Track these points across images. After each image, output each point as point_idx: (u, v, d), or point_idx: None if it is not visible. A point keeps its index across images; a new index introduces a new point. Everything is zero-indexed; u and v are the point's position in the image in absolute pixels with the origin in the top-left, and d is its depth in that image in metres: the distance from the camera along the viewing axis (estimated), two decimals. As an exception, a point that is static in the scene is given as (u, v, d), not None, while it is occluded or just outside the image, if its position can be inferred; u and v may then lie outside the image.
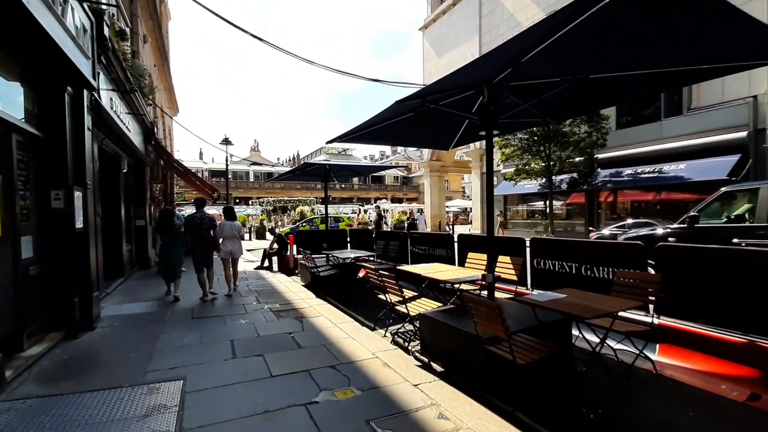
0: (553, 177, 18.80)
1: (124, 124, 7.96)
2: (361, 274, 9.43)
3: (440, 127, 5.32)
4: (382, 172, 68.75)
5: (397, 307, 4.76)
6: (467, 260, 6.11)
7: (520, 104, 4.17)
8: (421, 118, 4.47)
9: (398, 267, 5.69)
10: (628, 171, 17.66)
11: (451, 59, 29.02)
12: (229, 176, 54.90)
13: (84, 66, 4.72)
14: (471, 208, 52.12)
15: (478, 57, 3.08)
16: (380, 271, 4.66)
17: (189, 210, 32.13)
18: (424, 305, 4.79)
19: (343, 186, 61.50)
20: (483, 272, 5.54)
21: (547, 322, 3.62)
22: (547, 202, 22.80)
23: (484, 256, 5.80)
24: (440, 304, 4.79)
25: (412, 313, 4.44)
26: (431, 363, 4.09)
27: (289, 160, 76.54)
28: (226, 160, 15.98)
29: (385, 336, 5.06)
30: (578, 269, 4.83)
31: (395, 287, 4.43)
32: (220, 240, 7.39)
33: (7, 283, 3.80)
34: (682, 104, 17.09)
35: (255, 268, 11.25)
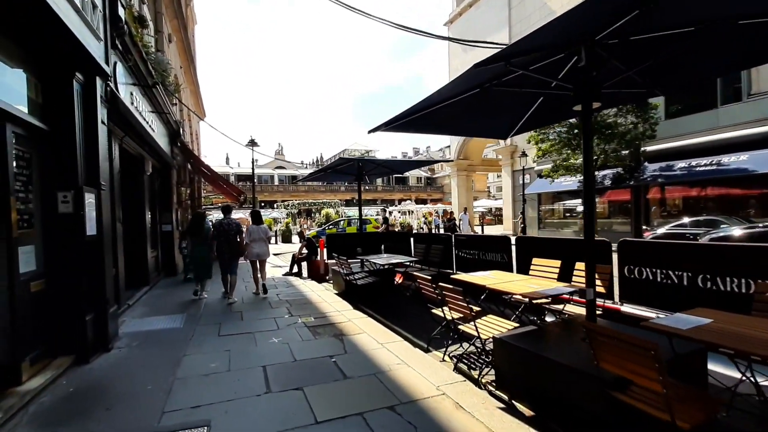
0: (596, 172, 17.49)
1: (147, 123, 7.45)
2: (398, 279, 8.62)
3: (500, 108, 4.40)
4: (407, 173, 67.90)
5: (461, 327, 3.91)
6: (532, 267, 5.19)
7: (624, 70, 3.22)
8: (486, 95, 3.66)
9: (453, 276, 4.84)
10: (681, 164, 16.15)
11: (478, 53, 27.82)
12: (255, 180, 55.55)
13: (94, 48, 4.11)
14: (493, 209, 50.53)
15: (574, 7, 2.19)
16: (441, 284, 3.82)
17: (216, 214, 32.22)
18: (493, 324, 3.92)
19: (366, 187, 60.98)
20: (553, 280, 4.63)
21: (681, 354, 2.70)
22: (583, 200, 21.41)
23: (555, 263, 4.88)
24: (514, 324, 3.90)
25: (483, 336, 3.58)
26: (513, 402, 3.23)
27: (313, 162, 76.75)
28: (252, 163, 15.53)
29: (444, 360, 4.22)
30: (692, 280, 3.84)
31: (461, 303, 3.58)
32: (248, 243, 7.57)
33: None
34: (741, 90, 15.52)
35: (284, 275, 10.62)
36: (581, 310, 4.26)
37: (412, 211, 46.94)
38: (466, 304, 3.52)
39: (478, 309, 4.42)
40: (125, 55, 5.49)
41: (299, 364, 4.05)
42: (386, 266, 7.21)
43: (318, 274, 10.09)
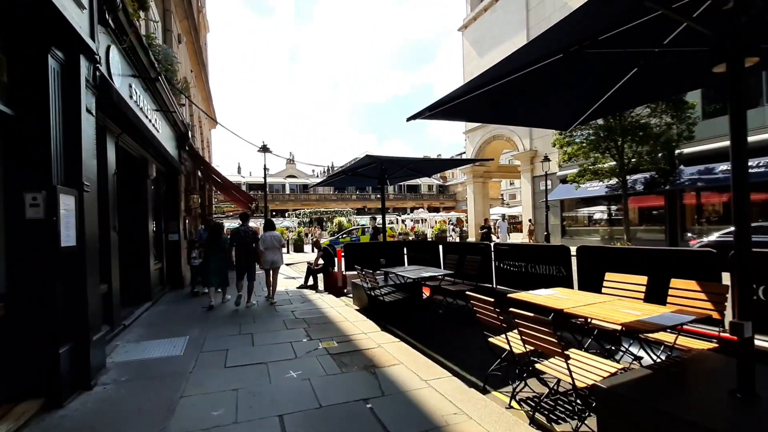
0: (627, 177, 16.39)
1: (151, 121, 6.73)
2: (425, 293, 7.70)
3: (571, 88, 3.54)
4: (419, 180, 67.07)
5: (541, 366, 2.97)
6: (606, 284, 4.23)
7: None
8: (571, 64, 2.79)
9: (511, 295, 3.91)
10: (723, 167, 14.99)
11: (494, 57, 27.05)
12: (267, 188, 55.31)
13: (74, 15, 3.35)
14: (506, 216, 49.19)
15: None
16: (513, 310, 2.90)
17: (228, 223, 31.57)
18: (584, 363, 2.97)
19: (377, 196, 60.27)
20: (639, 301, 3.67)
21: None
22: (612, 207, 20.30)
23: (640, 279, 3.93)
24: (615, 365, 2.95)
25: (579, 384, 2.63)
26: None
27: (324, 171, 76.47)
28: (264, 170, 14.83)
29: (510, 407, 3.27)
30: None
31: (545, 336, 2.66)
32: (263, 251, 7.74)
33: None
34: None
35: (298, 287, 9.76)
36: (692, 342, 3.29)
37: (425, 219, 46.07)
38: (555, 339, 2.59)
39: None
40: (119, 36, 4.75)
41: (326, 412, 3.14)
42: (417, 280, 6.30)
43: (335, 287, 9.21)
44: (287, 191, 57.65)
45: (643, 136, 15.05)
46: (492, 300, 3.29)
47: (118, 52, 5.05)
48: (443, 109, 3.43)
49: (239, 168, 61.59)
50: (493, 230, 15.28)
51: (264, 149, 14.87)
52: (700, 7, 2.44)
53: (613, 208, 20.04)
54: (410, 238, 29.78)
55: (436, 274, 6.21)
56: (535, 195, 25.04)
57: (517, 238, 31.65)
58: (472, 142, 30.82)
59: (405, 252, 9.17)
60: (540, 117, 4.49)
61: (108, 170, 5.24)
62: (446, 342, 5.25)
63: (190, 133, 10.10)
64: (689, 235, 13.91)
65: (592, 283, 4.64)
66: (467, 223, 43.42)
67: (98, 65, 4.19)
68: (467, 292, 3.67)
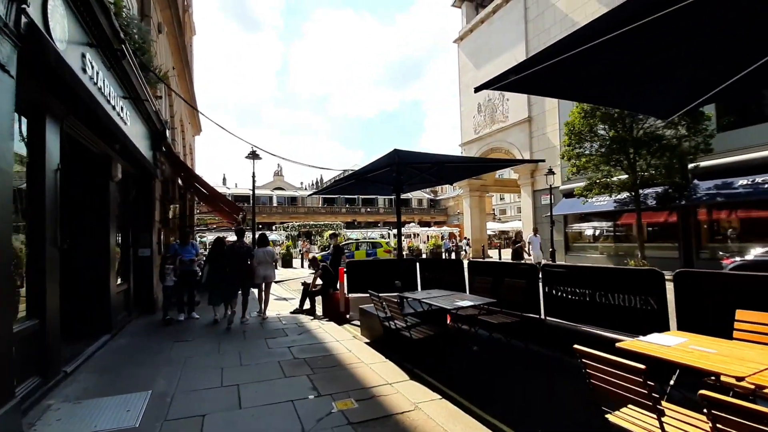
0: (631, 192, 15.55)
1: (115, 109, 5.38)
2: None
3: (682, 62, 2.58)
4: (410, 194, 66.21)
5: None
6: (740, 325, 3.03)
7: None
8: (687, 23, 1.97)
9: (621, 344, 2.67)
10: (743, 181, 14.24)
11: (492, 69, 26.47)
12: (254, 199, 53.44)
13: None
14: (498, 231, 48.36)
15: None
16: (713, 397, 1.64)
17: (210, 236, 29.55)
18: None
19: (368, 210, 59.05)
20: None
21: None
22: (620, 222, 19.42)
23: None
24: None
25: None
26: None
27: (313, 184, 75.02)
28: (253, 177, 13.46)
29: None
30: None
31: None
32: (255, 266, 7.64)
33: None
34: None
35: (293, 312, 8.34)
36: None
37: (417, 234, 44.90)
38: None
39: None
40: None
41: None
42: (453, 311, 4.99)
43: (337, 313, 7.84)
44: (274, 203, 55.96)
45: (658, 147, 14.26)
46: (639, 367, 2.02)
47: (65, 7, 3.75)
48: (525, 75, 2.42)
49: (224, 179, 59.79)
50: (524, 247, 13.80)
51: (253, 156, 13.52)
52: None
53: (622, 223, 19.17)
54: (404, 253, 28.52)
55: (479, 303, 4.92)
56: (536, 210, 24.14)
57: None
58: (468, 154, 29.98)
59: (418, 271, 7.88)
60: (640, 97, 3.28)
61: (47, 164, 3.87)
62: (504, 397, 3.95)
63: (168, 132, 8.72)
64: (721, 253, 12.95)
65: (704, 323, 3.42)
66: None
67: (25, 5, 2.89)
68: (576, 346, 2.39)
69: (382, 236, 42.86)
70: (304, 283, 8.45)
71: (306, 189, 68.89)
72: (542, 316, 5.29)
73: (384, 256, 20.63)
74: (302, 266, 25.00)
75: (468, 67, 30.14)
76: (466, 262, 6.97)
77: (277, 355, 5.25)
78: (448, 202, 66.55)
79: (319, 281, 8.53)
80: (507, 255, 28.66)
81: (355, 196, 60.53)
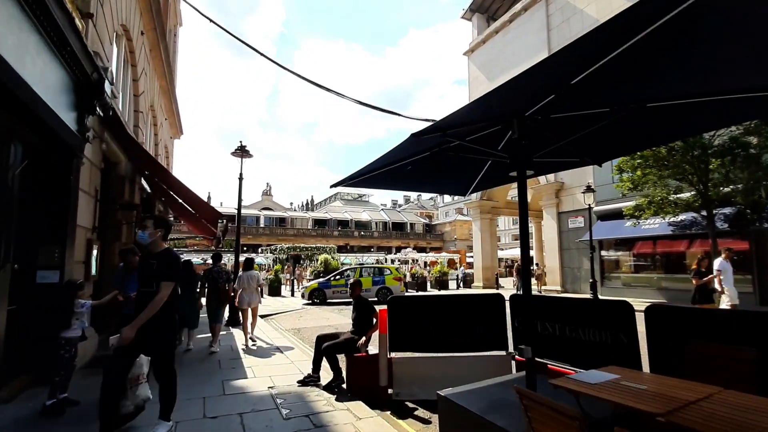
0: (700, 212, 12.87)
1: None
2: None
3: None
4: (405, 219, 63.34)
5: None
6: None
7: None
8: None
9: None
10: None
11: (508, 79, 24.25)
12: (240, 209, 49.78)
13: None
14: (507, 259, 45.33)
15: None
16: None
17: (188, 257, 25.53)
18: None
19: (362, 233, 55.79)
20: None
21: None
22: (672, 249, 16.63)
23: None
24: None
25: None
26: None
27: (303, 205, 71.63)
28: (240, 180, 10.29)
29: None
30: None
31: None
32: (239, 291, 7.66)
33: None
34: None
35: (300, 383, 4.98)
36: None
37: (416, 260, 41.66)
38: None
39: None
40: None
41: None
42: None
43: (372, 386, 4.56)
44: (261, 224, 52.29)
45: (744, 158, 11.65)
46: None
47: None
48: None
49: (209, 197, 56.09)
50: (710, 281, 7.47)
51: (241, 152, 10.39)
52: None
53: (674, 251, 16.39)
54: (409, 280, 25.15)
55: None
56: (562, 234, 21.32)
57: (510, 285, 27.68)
58: (480, 173, 27.25)
59: (509, 315, 4.66)
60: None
61: None
62: None
63: (110, 85, 5.55)
64: None
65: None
66: (458, 263, 39.31)
67: None
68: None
69: (378, 261, 39.48)
70: (321, 338, 5.10)
71: (295, 210, 65.44)
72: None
73: (394, 285, 17.32)
74: (292, 295, 21.42)
75: (480, 80, 28.00)
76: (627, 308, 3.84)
77: None
78: (444, 227, 63.88)
79: (351, 332, 5.25)
80: (506, 283, 25.44)
81: (348, 218, 57.38)
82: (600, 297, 16.49)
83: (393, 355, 4.77)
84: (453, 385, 3.62)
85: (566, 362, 3.53)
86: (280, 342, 7.78)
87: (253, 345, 7.34)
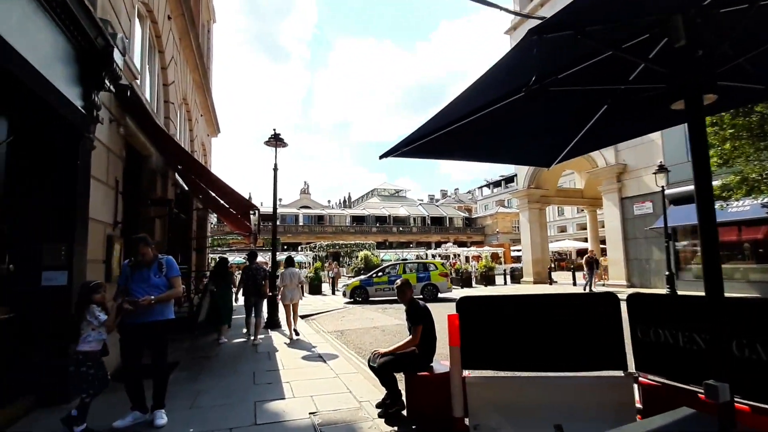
0: None
1: None
2: None
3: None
4: (444, 213, 61.73)
5: None
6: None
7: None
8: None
9: None
10: None
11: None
12: (277, 221, 50.41)
13: None
14: (555, 252, 42.29)
15: None
16: None
17: (232, 257, 26.10)
18: None
19: (401, 229, 54.75)
20: None
21: None
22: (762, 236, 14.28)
23: None
24: None
25: None
26: None
27: (340, 203, 71.68)
28: (275, 171, 9.52)
29: None
30: None
31: None
32: (281, 288, 7.96)
33: None
34: None
35: (381, 410, 3.97)
36: None
37: (458, 255, 40.04)
38: None
39: None
40: None
41: None
42: None
43: (442, 416, 3.47)
44: (300, 222, 52.55)
45: None
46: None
47: None
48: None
49: (250, 197, 57.17)
50: None
51: (275, 140, 9.62)
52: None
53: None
54: (452, 275, 23.76)
55: None
56: (626, 222, 19.16)
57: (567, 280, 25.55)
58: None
59: (634, 326, 3.37)
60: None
61: None
62: None
63: (121, 55, 4.79)
64: None
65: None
66: (502, 258, 36.98)
67: None
68: None
69: (418, 257, 38.22)
70: (393, 353, 4.03)
71: (333, 207, 65.48)
72: None
73: (440, 281, 16.13)
74: (333, 293, 20.76)
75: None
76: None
77: None
78: (485, 220, 61.49)
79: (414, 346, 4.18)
80: (560, 278, 22.97)
81: (386, 214, 56.54)
82: (678, 292, 14.49)
83: (467, 373, 3.66)
84: (553, 417, 2.46)
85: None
86: (322, 348, 6.87)
87: (297, 337, 7.65)
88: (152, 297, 3.47)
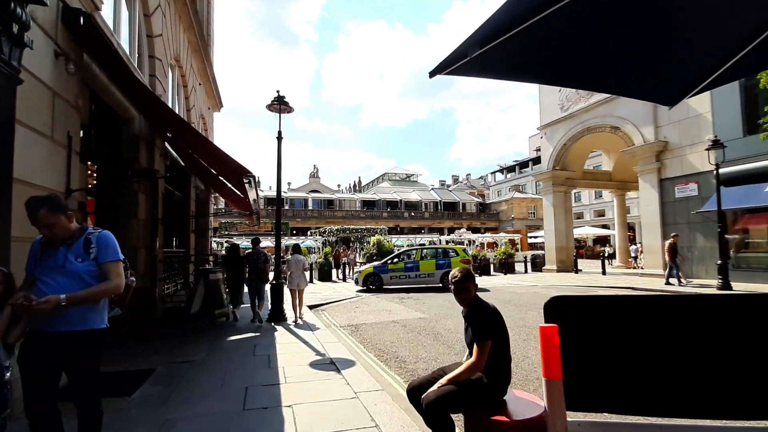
0: None
1: None
2: None
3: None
4: (457, 199, 60.03)
5: None
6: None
7: None
8: None
9: None
10: None
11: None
12: (286, 205, 48.84)
13: None
14: (584, 237, 40.05)
15: None
16: None
17: (239, 241, 24.88)
18: None
19: (412, 214, 53.27)
20: None
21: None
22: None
23: None
24: None
25: None
26: None
27: (350, 187, 70.22)
28: (278, 139, 8.14)
29: None
30: None
31: None
32: (288, 273, 8.09)
33: None
34: None
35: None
36: None
37: (473, 241, 38.53)
38: None
39: None
40: None
41: None
42: None
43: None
44: (310, 207, 51.35)
45: None
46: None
47: None
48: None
49: (258, 181, 56.08)
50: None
51: (279, 104, 8.19)
52: None
53: None
54: (469, 265, 22.31)
55: None
56: (665, 206, 17.43)
57: (596, 270, 23.87)
58: (551, 139, 23.64)
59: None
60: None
61: None
62: None
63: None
64: None
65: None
66: (519, 244, 35.33)
67: None
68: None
69: (431, 242, 36.78)
70: (414, 390, 2.66)
71: (343, 191, 64.10)
72: None
73: (459, 264, 14.68)
74: (344, 280, 19.51)
75: (552, 88, 23.82)
76: None
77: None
78: (500, 206, 59.58)
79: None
80: (585, 266, 21.29)
81: (398, 198, 55.03)
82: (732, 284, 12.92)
83: (573, 417, 2.27)
84: None
85: None
86: (334, 349, 5.56)
87: (302, 321, 7.70)
88: (62, 296, 2.11)
